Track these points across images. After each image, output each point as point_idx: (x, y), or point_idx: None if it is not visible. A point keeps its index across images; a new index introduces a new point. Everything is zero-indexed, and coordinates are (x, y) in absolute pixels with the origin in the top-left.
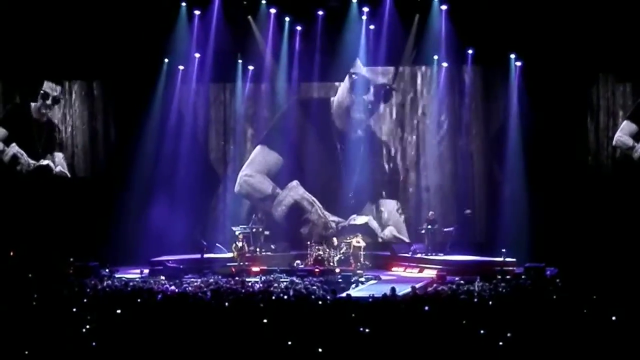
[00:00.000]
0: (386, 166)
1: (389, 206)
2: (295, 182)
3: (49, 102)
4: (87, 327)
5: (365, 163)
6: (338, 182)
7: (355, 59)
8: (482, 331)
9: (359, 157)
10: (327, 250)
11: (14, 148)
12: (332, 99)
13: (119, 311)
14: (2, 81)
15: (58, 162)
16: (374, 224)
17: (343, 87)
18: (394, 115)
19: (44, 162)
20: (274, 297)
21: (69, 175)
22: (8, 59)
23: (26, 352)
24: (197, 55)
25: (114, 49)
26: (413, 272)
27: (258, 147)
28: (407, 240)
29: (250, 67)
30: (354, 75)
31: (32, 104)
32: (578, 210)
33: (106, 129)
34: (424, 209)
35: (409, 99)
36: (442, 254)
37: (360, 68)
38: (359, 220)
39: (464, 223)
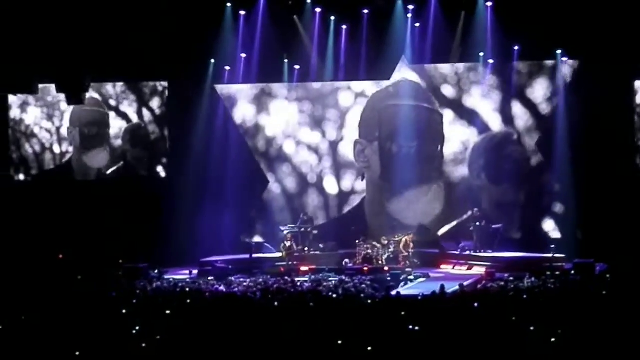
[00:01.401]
0: (435, 162)
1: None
2: None
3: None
4: (137, 328)
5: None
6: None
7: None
8: (532, 328)
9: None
10: (376, 248)
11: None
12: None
13: (168, 312)
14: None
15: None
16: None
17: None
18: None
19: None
20: (323, 297)
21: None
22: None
23: (77, 354)
24: (244, 55)
25: (161, 50)
26: (462, 270)
27: None
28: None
29: (297, 67)
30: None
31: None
32: (626, 206)
33: (156, 130)
34: (471, 206)
35: (456, 96)
36: (490, 251)
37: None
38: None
39: (512, 220)
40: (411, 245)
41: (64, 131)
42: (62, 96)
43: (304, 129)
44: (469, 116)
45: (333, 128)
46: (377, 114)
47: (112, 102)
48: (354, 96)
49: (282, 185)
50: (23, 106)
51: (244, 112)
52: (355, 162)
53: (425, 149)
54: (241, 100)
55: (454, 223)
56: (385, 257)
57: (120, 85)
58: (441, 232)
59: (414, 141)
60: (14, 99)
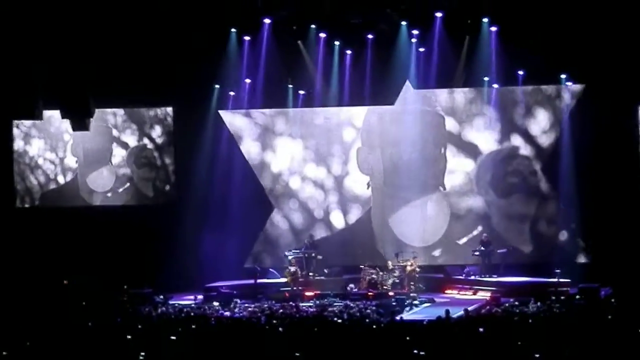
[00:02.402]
0: (442, 187)
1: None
2: None
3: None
4: (142, 354)
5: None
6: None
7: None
8: (537, 354)
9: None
10: (381, 273)
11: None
12: None
13: (173, 338)
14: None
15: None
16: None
17: None
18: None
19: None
20: (328, 322)
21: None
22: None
23: None
24: (248, 80)
25: (165, 75)
26: (467, 294)
27: None
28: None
29: (301, 92)
30: None
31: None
32: (631, 231)
33: (159, 156)
34: (479, 230)
35: (460, 121)
36: (495, 276)
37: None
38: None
39: (517, 244)
40: (417, 269)
41: (67, 161)
42: (64, 126)
43: (309, 164)
44: (471, 145)
45: (338, 163)
46: (377, 118)
47: (115, 131)
48: (356, 131)
49: (288, 220)
50: (26, 138)
51: (248, 149)
52: (360, 169)
53: (428, 153)
54: (246, 138)
55: (465, 239)
56: (390, 282)
57: (123, 112)
58: (461, 241)
59: (416, 145)
60: (17, 132)
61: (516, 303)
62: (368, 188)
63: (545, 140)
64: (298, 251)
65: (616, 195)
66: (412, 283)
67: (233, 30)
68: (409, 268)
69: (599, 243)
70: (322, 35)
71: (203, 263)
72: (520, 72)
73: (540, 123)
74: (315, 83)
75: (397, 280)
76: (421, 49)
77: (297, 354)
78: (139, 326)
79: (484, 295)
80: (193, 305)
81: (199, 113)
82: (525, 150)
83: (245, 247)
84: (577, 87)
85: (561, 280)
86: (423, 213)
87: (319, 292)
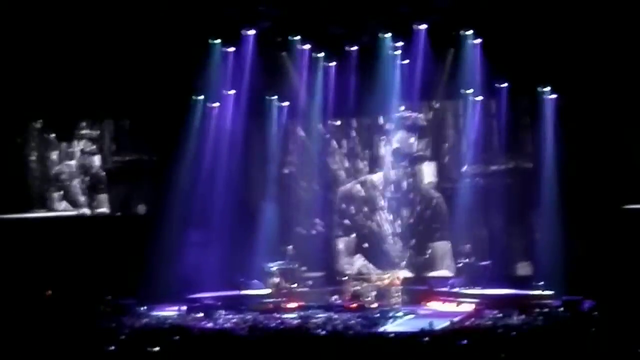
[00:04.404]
0: (429, 210)
1: (443, 249)
2: None
3: (88, 156)
4: None
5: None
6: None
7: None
8: None
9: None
10: (364, 285)
11: (63, 204)
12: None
13: (156, 349)
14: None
15: (101, 204)
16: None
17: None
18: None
19: (82, 210)
20: (311, 334)
21: (107, 212)
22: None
23: None
24: (231, 92)
25: (147, 87)
26: (451, 306)
27: None
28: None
29: (285, 104)
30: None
31: (71, 163)
32: (613, 244)
33: (142, 167)
34: (461, 244)
35: (443, 134)
36: (479, 288)
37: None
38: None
39: (500, 257)
40: (397, 283)
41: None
42: None
43: None
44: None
45: None
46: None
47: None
48: None
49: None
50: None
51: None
52: None
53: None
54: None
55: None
56: (373, 293)
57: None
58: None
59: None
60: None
61: (500, 315)
62: None
63: (526, 153)
64: (281, 262)
65: (598, 210)
66: (391, 296)
67: (217, 40)
68: (386, 282)
69: (583, 256)
70: (306, 46)
71: (186, 274)
72: (504, 85)
73: (523, 135)
74: (299, 95)
75: (381, 292)
76: (405, 61)
77: None
78: (121, 337)
79: (468, 307)
80: (176, 316)
81: (182, 125)
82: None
83: (228, 258)
84: (560, 99)
85: (544, 292)
86: None
87: (302, 303)
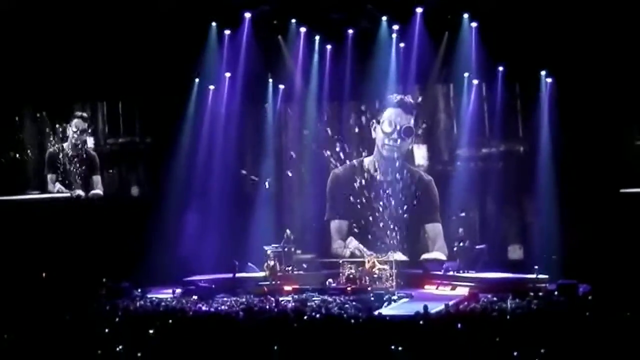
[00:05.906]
0: (420, 192)
1: (434, 230)
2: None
3: (82, 136)
4: (119, 347)
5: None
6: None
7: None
8: (515, 350)
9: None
10: (359, 268)
11: (57, 186)
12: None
13: (151, 331)
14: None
15: (95, 185)
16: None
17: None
18: (423, 136)
19: (77, 192)
20: (306, 317)
21: (101, 193)
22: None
23: None
24: (228, 74)
25: (144, 69)
26: (445, 290)
27: None
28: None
29: (281, 87)
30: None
31: (65, 145)
32: (610, 227)
33: (137, 149)
34: (457, 228)
35: (438, 117)
36: (474, 272)
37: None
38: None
39: (494, 241)
40: (376, 266)
41: None
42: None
43: None
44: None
45: None
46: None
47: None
48: None
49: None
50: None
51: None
52: None
53: None
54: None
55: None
56: (368, 277)
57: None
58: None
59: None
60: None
61: (494, 299)
62: None
63: (524, 131)
64: (277, 245)
65: (595, 194)
66: (369, 280)
67: (213, 24)
68: (367, 265)
69: (579, 240)
70: (303, 29)
71: (181, 256)
72: (500, 68)
73: (519, 119)
74: (295, 78)
75: (376, 276)
76: (402, 44)
77: (275, 348)
78: (116, 319)
79: (462, 291)
80: (170, 299)
81: (179, 108)
82: (503, 145)
83: (224, 241)
84: (556, 82)
85: (539, 277)
86: None
87: (297, 286)
